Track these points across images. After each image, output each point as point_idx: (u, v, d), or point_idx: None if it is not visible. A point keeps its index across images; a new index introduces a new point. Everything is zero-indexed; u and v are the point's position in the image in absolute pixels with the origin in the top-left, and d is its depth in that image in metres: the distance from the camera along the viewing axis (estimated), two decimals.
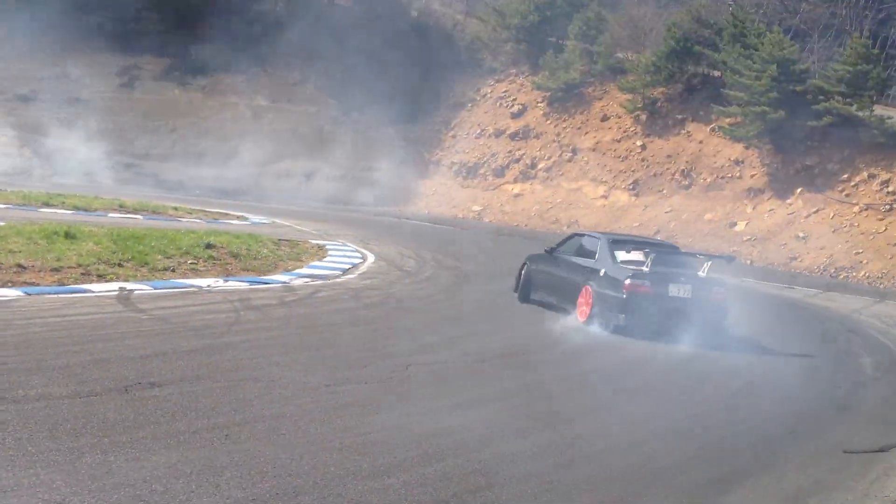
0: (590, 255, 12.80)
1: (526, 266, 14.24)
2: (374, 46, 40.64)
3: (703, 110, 36.15)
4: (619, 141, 38.00)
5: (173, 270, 13.04)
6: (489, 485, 5.38)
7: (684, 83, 37.71)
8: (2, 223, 15.57)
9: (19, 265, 11.32)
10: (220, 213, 26.96)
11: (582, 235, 14.24)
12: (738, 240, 30.96)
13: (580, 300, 12.27)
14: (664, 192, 35.29)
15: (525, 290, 14.06)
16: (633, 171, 36.65)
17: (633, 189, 36.21)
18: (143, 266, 12.80)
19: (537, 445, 6.33)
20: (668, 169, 35.73)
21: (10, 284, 10.27)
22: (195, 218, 23.99)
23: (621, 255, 12.36)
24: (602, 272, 12.07)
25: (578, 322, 12.06)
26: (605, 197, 36.87)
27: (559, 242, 14.21)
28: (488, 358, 9.49)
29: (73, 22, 38.73)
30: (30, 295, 9.90)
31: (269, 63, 42.69)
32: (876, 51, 32.81)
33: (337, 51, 40.78)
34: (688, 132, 36.37)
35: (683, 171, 35.21)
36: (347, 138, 41.03)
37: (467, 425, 6.66)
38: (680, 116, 37.04)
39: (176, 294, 11.29)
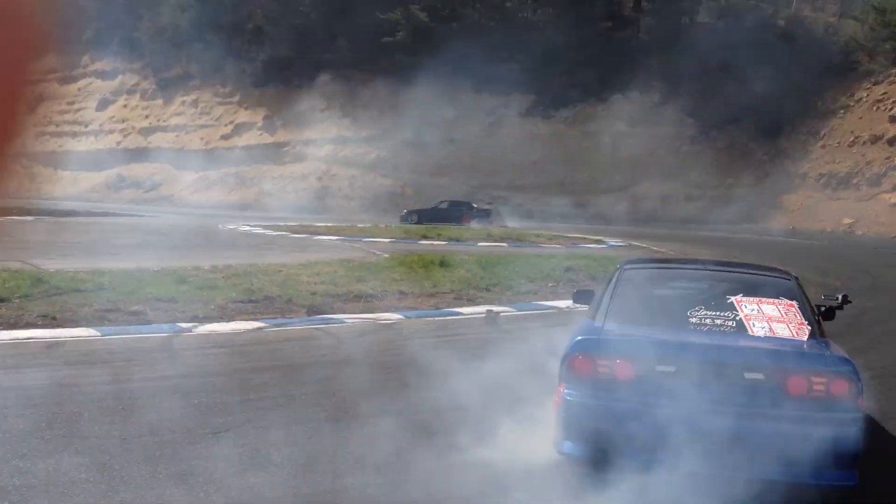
0: None
1: None
2: (736, 61, 39.58)
3: None
4: None
5: (535, 293, 13.93)
6: None
7: None
8: (386, 255, 17.63)
9: (401, 291, 12.87)
10: (579, 237, 27.89)
11: None
12: None
13: None
14: None
15: None
16: None
17: None
18: (508, 290, 13.85)
19: None
20: None
21: (393, 309, 11.75)
22: (556, 244, 25.10)
23: None
24: None
25: None
26: None
27: None
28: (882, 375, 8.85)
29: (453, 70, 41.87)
30: (409, 318, 11.23)
31: (629, 89, 43.34)
32: None
33: (698, 69, 40.26)
34: None
35: None
36: (706, 157, 40.28)
37: None
38: None
39: (535, 315, 12.11)
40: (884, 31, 40.81)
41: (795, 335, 5.51)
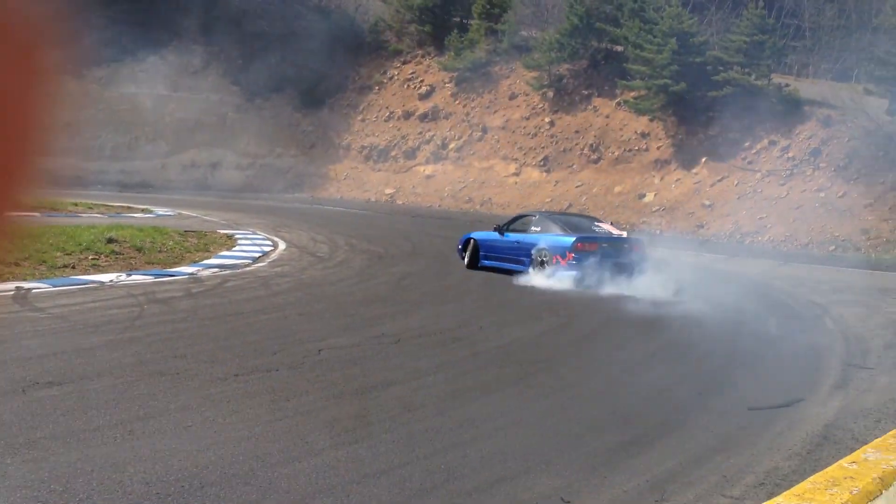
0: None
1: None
2: (276, 30, 40.00)
3: (608, 85, 36.74)
4: (527, 118, 38.33)
5: (73, 267, 12.62)
6: (404, 463, 5.33)
7: (588, 59, 38.22)
8: None
9: None
10: (123, 206, 26.19)
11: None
12: (646, 211, 31.62)
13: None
14: (574, 167, 35.78)
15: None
16: (542, 147, 37.05)
17: (544, 165, 36.61)
18: (41, 264, 12.34)
19: (451, 423, 6.30)
20: (576, 144, 36.24)
21: None
22: (96, 213, 23.24)
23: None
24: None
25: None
26: (516, 174, 37.19)
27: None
28: (403, 339, 9.42)
29: None
30: None
31: (168, 51, 41.55)
32: (771, 21, 33.81)
33: (238, 36, 39.98)
34: (594, 107, 36.92)
35: (592, 145, 35.75)
36: (253, 125, 40.32)
37: (382, 405, 6.60)
38: (586, 92, 37.56)
39: (76, 291, 10.91)
40: (407, 14, 44.13)
41: (622, 233, 15.72)
